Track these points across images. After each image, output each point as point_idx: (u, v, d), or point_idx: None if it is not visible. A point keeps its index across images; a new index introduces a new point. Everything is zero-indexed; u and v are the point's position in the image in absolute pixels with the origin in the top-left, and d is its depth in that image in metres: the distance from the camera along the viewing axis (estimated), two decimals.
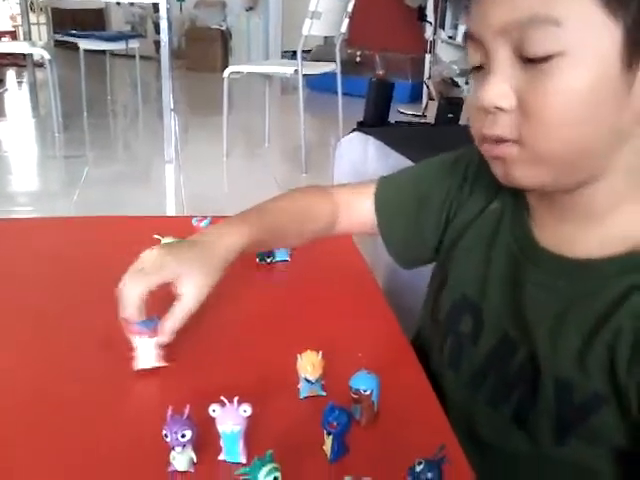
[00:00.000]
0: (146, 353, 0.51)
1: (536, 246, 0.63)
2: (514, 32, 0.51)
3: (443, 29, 4.94)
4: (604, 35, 0.49)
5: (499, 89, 0.53)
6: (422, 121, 4.00)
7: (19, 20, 5.89)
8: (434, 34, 4.99)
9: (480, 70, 0.56)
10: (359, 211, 0.81)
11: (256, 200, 0.76)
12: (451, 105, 2.40)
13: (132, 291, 0.62)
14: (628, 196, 0.56)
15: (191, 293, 0.64)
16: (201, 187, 3.20)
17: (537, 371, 0.60)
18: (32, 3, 5.55)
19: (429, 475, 0.47)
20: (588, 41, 0.50)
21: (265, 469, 0.46)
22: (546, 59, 0.51)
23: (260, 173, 3.61)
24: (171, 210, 3.00)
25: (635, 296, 0.53)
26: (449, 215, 0.74)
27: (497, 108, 0.54)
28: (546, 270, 0.61)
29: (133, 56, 5.13)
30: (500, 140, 0.55)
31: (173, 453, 0.52)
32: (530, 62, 0.52)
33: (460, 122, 2.29)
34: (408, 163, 0.74)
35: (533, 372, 0.60)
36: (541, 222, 0.63)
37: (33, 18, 5.62)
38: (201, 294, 0.64)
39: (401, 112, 4.82)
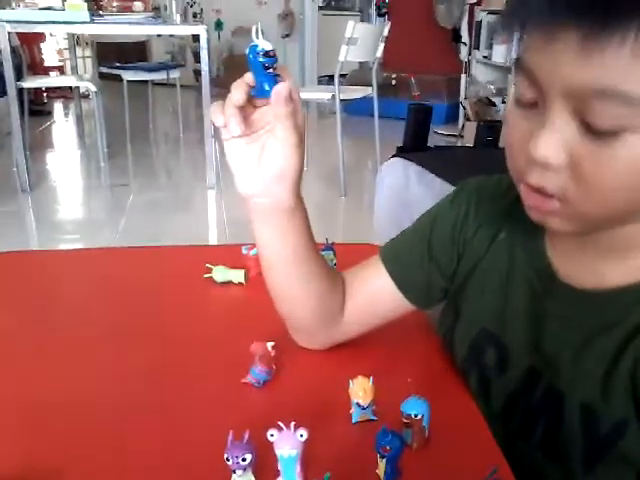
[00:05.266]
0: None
1: (555, 279, 0.62)
2: (579, 97, 0.47)
3: (478, 49, 4.95)
4: None
5: (553, 148, 0.50)
6: (461, 144, 3.99)
7: (66, 54, 6.13)
8: (469, 55, 5.01)
9: (533, 107, 0.51)
10: (370, 281, 0.76)
11: None
12: (489, 128, 2.41)
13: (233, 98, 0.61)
14: None
15: None
16: (242, 212, 3.22)
17: (560, 401, 0.60)
18: (78, 38, 5.75)
19: None
20: None
21: None
22: (614, 134, 0.47)
23: None
24: (213, 235, 3.06)
25: None
26: (459, 249, 0.72)
27: (546, 164, 0.50)
28: (565, 304, 0.61)
29: (174, 85, 5.27)
30: (544, 193, 0.52)
31: (234, 476, 0.54)
32: (593, 133, 0.48)
33: (499, 145, 2.31)
34: (450, 188, 0.75)
35: (556, 402, 0.60)
36: (562, 252, 0.63)
37: (79, 52, 5.83)
38: None
39: (438, 133, 4.84)
